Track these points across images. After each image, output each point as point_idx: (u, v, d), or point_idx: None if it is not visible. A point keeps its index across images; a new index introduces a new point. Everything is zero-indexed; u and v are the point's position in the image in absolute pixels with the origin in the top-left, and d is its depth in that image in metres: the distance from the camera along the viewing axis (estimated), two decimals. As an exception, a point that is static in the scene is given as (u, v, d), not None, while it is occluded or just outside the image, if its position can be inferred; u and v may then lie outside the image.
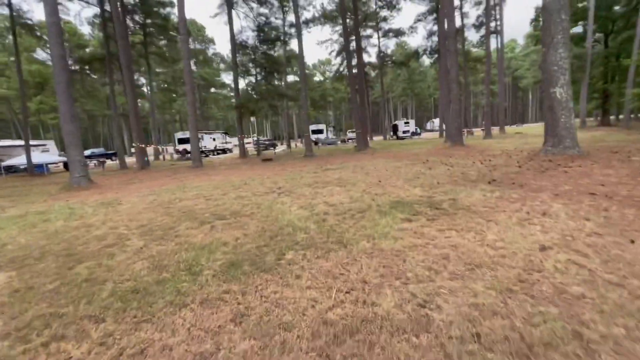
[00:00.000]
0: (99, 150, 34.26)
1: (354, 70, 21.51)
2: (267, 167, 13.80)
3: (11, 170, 23.39)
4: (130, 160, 23.93)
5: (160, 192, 7.90)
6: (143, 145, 17.12)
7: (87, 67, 27.23)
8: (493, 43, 30.80)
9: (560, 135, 8.71)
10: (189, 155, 21.66)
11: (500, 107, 32.80)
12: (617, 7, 27.48)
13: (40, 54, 44.57)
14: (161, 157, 32.63)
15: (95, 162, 26.26)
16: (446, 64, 23.97)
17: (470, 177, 7.21)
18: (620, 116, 34.10)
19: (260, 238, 3.56)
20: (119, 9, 18.11)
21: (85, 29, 44.19)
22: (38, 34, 40.56)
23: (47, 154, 25.50)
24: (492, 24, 29.57)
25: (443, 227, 3.63)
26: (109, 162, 29.56)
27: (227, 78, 54.56)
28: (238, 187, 7.81)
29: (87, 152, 33.48)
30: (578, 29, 29.38)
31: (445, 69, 24.00)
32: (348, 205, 5.09)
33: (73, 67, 30.31)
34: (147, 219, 4.77)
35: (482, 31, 35.36)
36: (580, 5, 27.44)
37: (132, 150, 16.48)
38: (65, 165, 25.37)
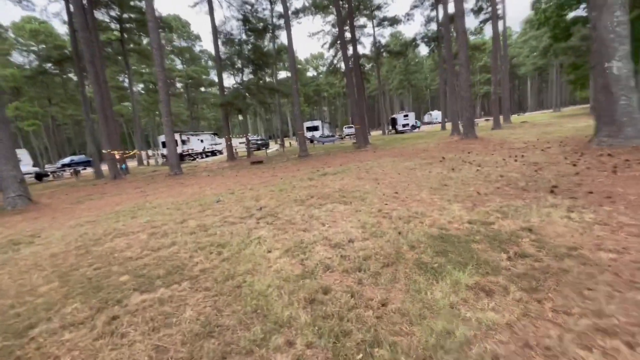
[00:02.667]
0: (79, 157, 31.90)
1: (350, 62, 19.50)
2: (255, 172, 11.84)
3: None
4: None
5: (104, 217, 5.93)
6: (115, 152, 15.07)
7: (57, 67, 24.94)
8: (490, 30, 28.92)
9: (619, 121, 6.83)
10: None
11: (504, 96, 30.96)
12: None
13: (17, 58, 42.11)
14: (147, 162, 30.51)
15: (71, 171, 24.14)
16: (449, 50, 22.05)
17: (518, 183, 5.32)
18: None
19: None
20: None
21: (61, 29, 41.55)
22: (8, 35, 38.06)
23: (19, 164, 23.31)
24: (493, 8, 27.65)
25: (576, 322, 1.72)
26: (89, 170, 27.40)
27: (216, 76, 52.24)
28: (207, 207, 5.85)
29: (66, 160, 31.25)
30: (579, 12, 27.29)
31: (449, 54, 22.09)
32: (362, 244, 3.18)
33: (47, 68, 28.03)
34: (18, 292, 2.81)
35: (481, 17, 33.42)
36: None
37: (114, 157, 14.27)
38: (37, 176, 23.22)
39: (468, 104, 15.02)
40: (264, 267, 2.85)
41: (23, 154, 25.23)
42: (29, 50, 42.61)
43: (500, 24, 28.47)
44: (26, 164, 24.26)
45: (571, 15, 25.55)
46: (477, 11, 34.33)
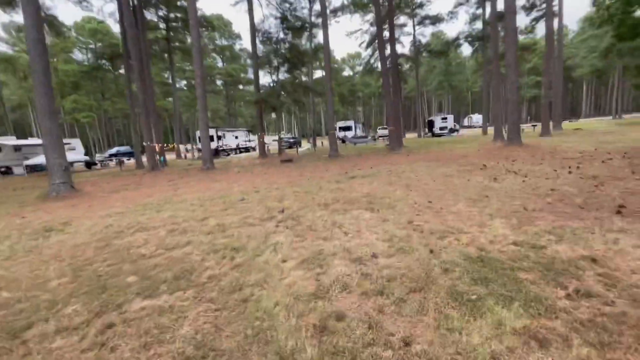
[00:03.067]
0: (125, 148, 34.11)
1: (387, 62, 18.87)
2: (283, 171, 11.76)
3: (37, 169, 23.29)
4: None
5: (132, 209, 6.06)
6: (154, 145, 15.78)
7: (109, 63, 26.77)
8: (541, 29, 26.51)
9: None
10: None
11: (556, 100, 28.48)
12: None
13: (77, 55, 45.86)
14: (184, 155, 31.88)
15: (116, 160, 25.86)
16: (495, 50, 20.62)
17: (574, 199, 4.63)
18: None
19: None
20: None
21: (116, 28, 44.59)
22: (70, 34, 41.24)
23: (72, 152, 25.26)
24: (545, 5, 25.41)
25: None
26: (133, 160, 29.16)
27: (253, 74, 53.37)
28: (230, 205, 5.76)
29: (113, 150, 33.55)
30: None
31: (495, 55, 20.67)
32: (386, 262, 2.82)
33: (101, 64, 30.14)
34: (30, 284, 2.78)
35: (534, 14, 30.94)
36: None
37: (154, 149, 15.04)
38: (87, 164, 25.09)
39: (514, 108, 13.86)
40: (275, 280, 2.59)
41: (77, 143, 27.41)
42: (87, 48, 46.30)
43: (555, 22, 26.19)
44: (78, 153, 26.33)
45: (641, 11, 22.97)
46: (529, 8, 31.84)
